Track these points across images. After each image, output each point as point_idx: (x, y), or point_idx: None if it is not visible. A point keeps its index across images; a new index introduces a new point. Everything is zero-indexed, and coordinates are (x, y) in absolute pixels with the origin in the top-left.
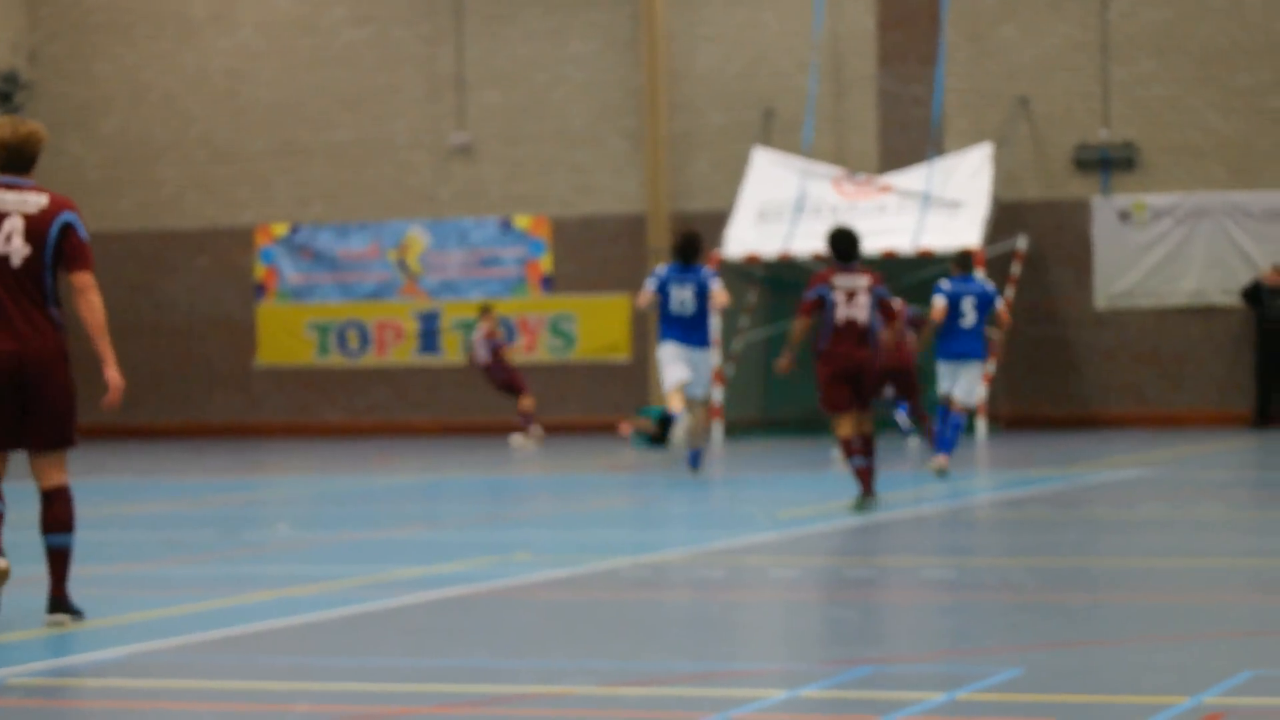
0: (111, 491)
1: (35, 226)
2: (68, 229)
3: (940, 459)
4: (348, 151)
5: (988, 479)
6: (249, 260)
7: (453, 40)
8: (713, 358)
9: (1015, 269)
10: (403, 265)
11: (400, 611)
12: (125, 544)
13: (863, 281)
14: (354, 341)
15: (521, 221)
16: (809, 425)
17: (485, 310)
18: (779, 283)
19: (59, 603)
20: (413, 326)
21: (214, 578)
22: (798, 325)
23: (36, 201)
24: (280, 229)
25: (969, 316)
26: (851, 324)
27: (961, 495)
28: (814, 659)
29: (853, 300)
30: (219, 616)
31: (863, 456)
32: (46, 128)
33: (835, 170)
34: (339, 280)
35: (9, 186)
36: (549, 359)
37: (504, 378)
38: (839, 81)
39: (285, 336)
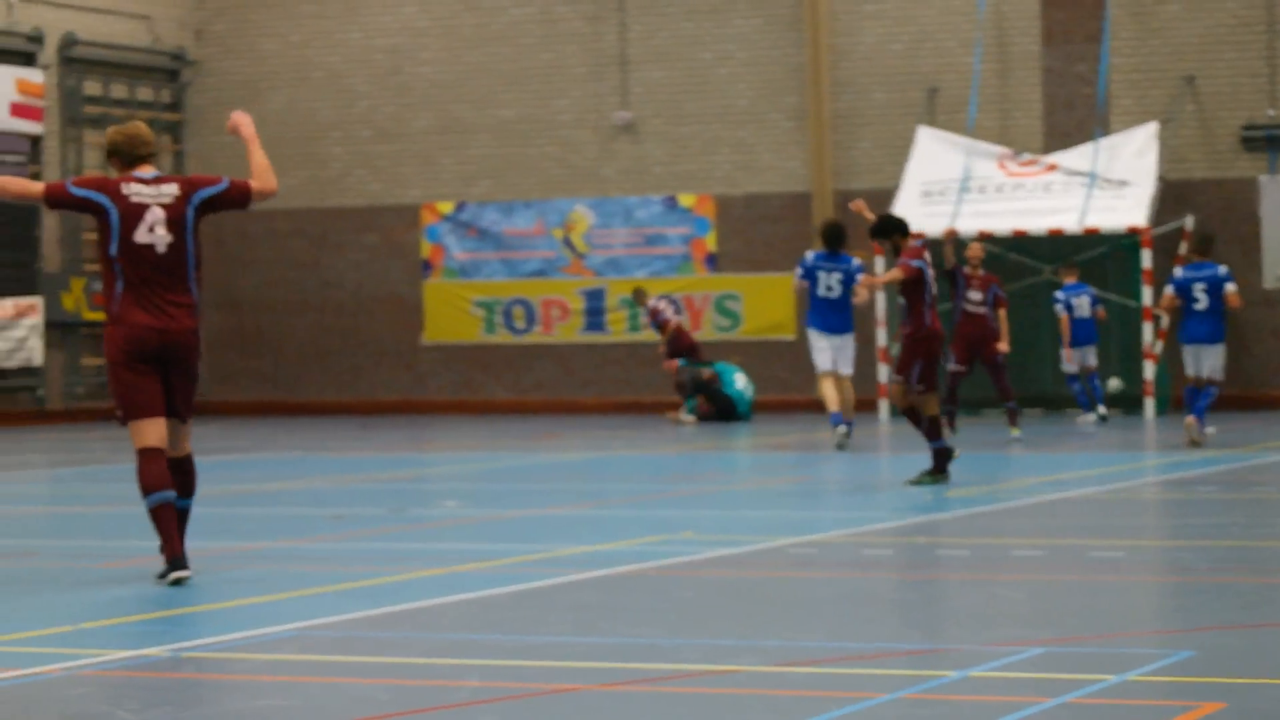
0: (279, 467)
1: (174, 215)
2: (208, 202)
3: (1194, 424)
4: (512, 129)
5: (1155, 460)
6: (415, 238)
7: (616, 18)
8: (852, 340)
9: (1183, 248)
10: (568, 243)
11: (567, 589)
12: (293, 520)
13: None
14: (520, 319)
15: (686, 200)
16: (977, 404)
17: (640, 293)
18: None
19: (183, 560)
20: (578, 304)
21: (382, 554)
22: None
23: (168, 191)
24: (446, 206)
25: (1202, 301)
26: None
27: (1129, 476)
28: (983, 639)
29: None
30: (387, 592)
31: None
32: (213, 105)
33: (1000, 149)
34: (505, 258)
35: (145, 180)
36: (714, 337)
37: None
38: (1003, 60)
39: (451, 314)
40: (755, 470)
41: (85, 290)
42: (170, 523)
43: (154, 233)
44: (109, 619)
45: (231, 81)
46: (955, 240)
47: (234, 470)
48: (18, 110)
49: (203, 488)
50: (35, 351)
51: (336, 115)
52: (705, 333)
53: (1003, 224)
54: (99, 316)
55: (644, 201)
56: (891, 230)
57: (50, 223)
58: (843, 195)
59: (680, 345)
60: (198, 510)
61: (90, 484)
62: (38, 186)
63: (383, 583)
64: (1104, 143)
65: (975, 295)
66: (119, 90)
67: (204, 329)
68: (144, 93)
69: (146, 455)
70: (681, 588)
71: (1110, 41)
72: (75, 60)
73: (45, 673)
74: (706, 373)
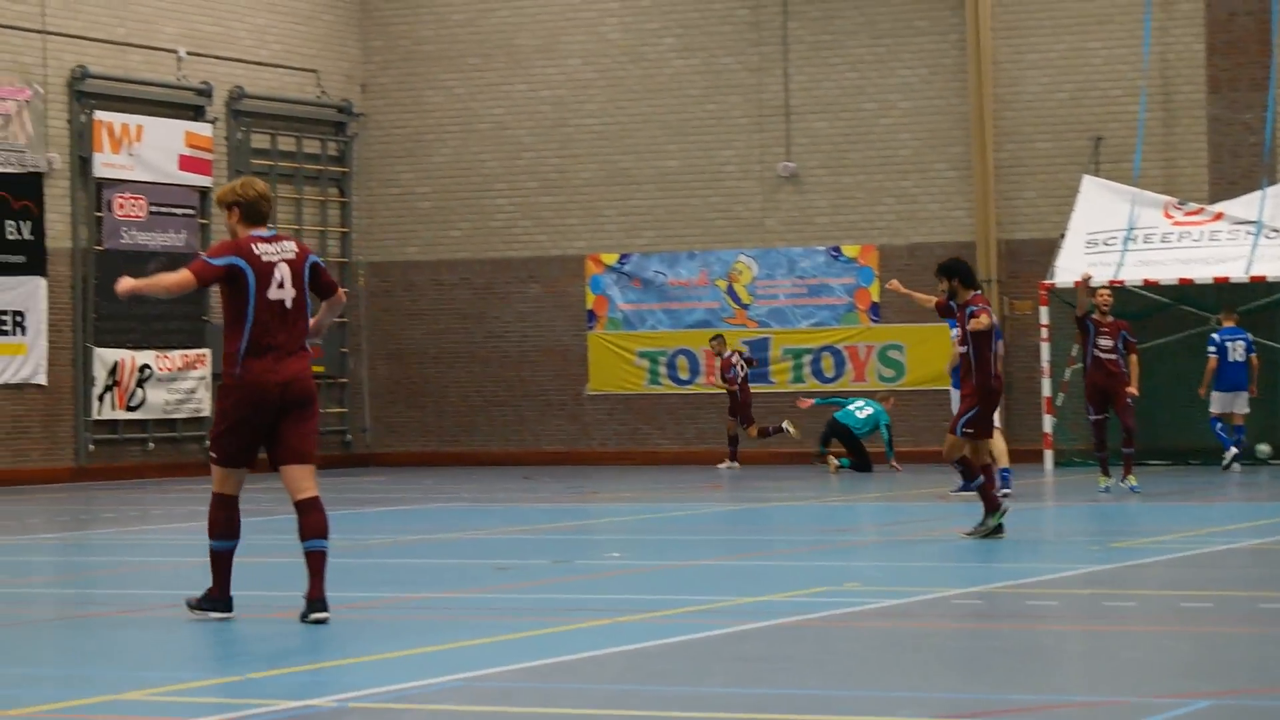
0: (445, 518)
1: (296, 270)
2: (316, 266)
3: None
4: (676, 180)
5: None
6: (579, 288)
7: (780, 68)
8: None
9: None
10: (731, 293)
11: (730, 640)
12: (459, 570)
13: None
14: (684, 370)
15: (850, 250)
16: (1141, 454)
17: (718, 339)
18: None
19: (323, 601)
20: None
21: (545, 605)
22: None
23: (289, 249)
24: (610, 257)
25: None
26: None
27: None
28: (1150, 692)
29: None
30: (551, 643)
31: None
32: (379, 158)
33: (1165, 198)
34: (668, 308)
35: (268, 239)
36: (878, 387)
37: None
38: (1168, 108)
39: (615, 364)
40: (918, 521)
41: None
42: (227, 570)
43: (282, 289)
44: (277, 669)
45: (397, 134)
46: (1088, 287)
47: (400, 520)
48: (186, 164)
49: (370, 538)
50: (204, 402)
51: (502, 167)
52: (869, 382)
53: (1168, 273)
54: None
55: (808, 252)
56: (953, 273)
57: None
58: (1007, 245)
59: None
60: (365, 560)
61: (257, 534)
62: (187, 274)
63: (546, 634)
64: (1270, 191)
65: (1105, 342)
66: (286, 143)
67: (371, 380)
68: (310, 145)
69: (224, 501)
70: (845, 639)
71: (1276, 89)
72: (243, 114)
73: None
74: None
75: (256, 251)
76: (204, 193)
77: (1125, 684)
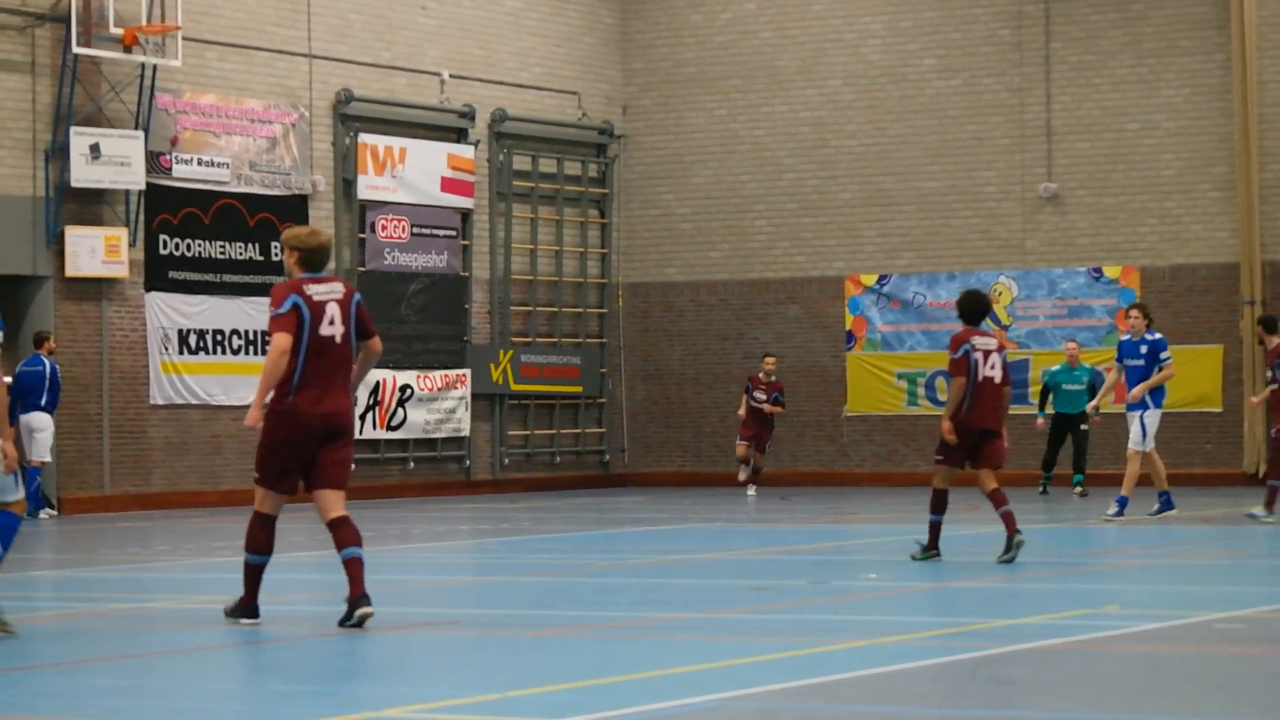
0: (703, 538)
1: (344, 309)
2: (359, 306)
3: None
4: (936, 201)
5: None
6: (839, 309)
7: (1042, 89)
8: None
9: None
10: (991, 314)
11: (988, 662)
12: (717, 590)
13: (993, 343)
14: (942, 391)
15: (1111, 271)
16: None
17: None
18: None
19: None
20: None
21: (803, 625)
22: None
23: (337, 289)
24: (869, 278)
25: None
26: (989, 382)
27: None
28: None
29: (989, 360)
30: (808, 664)
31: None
32: (640, 179)
33: None
34: (927, 329)
35: (317, 280)
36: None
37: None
38: None
39: (874, 385)
40: (1179, 543)
41: (512, 362)
42: (258, 581)
43: (332, 325)
44: (535, 687)
45: (658, 155)
46: None
47: (659, 540)
48: (448, 186)
49: (629, 558)
50: (463, 422)
51: (761, 188)
52: None
53: None
54: (527, 388)
55: (1068, 273)
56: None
57: (479, 296)
58: (1271, 266)
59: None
60: (624, 580)
61: (515, 553)
62: (279, 343)
63: (803, 654)
64: None
65: None
66: (547, 165)
67: (629, 400)
68: (571, 167)
69: (262, 520)
70: (1106, 662)
71: None
72: (505, 136)
73: None
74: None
75: (309, 292)
76: (465, 214)
77: None
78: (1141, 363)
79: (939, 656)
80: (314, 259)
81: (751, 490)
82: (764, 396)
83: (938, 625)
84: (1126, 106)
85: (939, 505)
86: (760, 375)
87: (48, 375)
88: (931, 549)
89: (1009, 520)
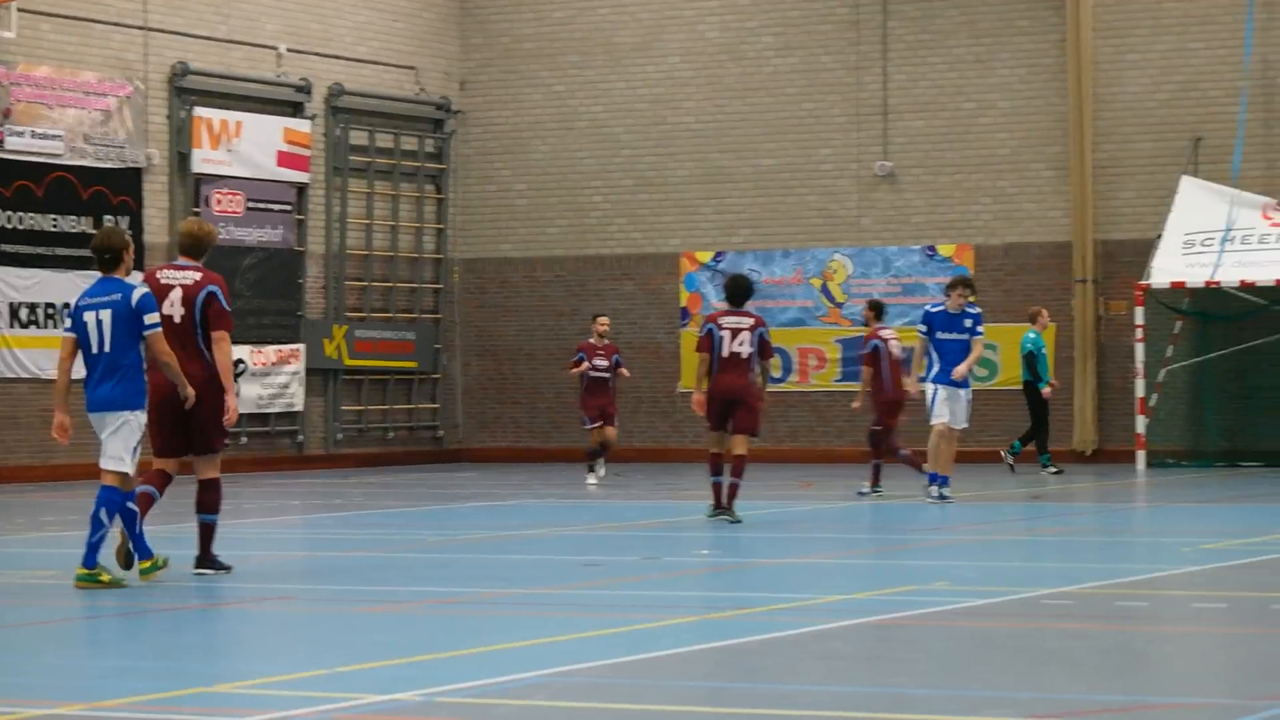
0: (536, 513)
1: (189, 295)
2: (210, 297)
3: None
4: (772, 178)
5: None
6: (674, 286)
7: (879, 68)
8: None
9: None
10: (826, 292)
11: (819, 637)
12: (548, 566)
13: (747, 322)
14: (776, 367)
15: (945, 249)
16: (1239, 456)
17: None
18: (1204, 312)
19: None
20: (835, 353)
21: (635, 601)
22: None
23: (192, 277)
24: (705, 255)
25: None
26: (735, 357)
27: None
28: (1242, 694)
29: (736, 337)
30: (639, 640)
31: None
32: (477, 155)
33: (1264, 199)
34: (762, 307)
35: (177, 267)
36: (972, 386)
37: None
38: (1269, 108)
39: None
40: (1009, 520)
41: (346, 338)
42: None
43: (173, 307)
44: (364, 663)
45: (495, 131)
46: None
47: (491, 516)
48: (284, 160)
49: (461, 533)
50: (297, 397)
51: (599, 164)
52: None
53: (1265, 274)
54: (361, 363)
55: (903, 251)
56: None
57: (314, 271)
58: (1103, 245)
59: None
60: (456, 555)
61: (347, 529)
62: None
63: (635, 630)
64: None
65: None
66: (384, 140)
67: (464, 375)
68: (408, 142)
69: (163, 477)
70: (934, 638)
71: None
72: (342, 110)
73: (298, 715)
74: None
75: (158, 275)
76: (301, 189)
77: (1215, 686)
78: (967, 336)
79: (769, 632)
80: (190, 244)
81: (599, 474)
82: (605, 363)
83: (768, 601)
84: (962, 85)
85: (712, 468)
86: (594, 341)
87: None
88: (716, 507)
89: (728, 491)
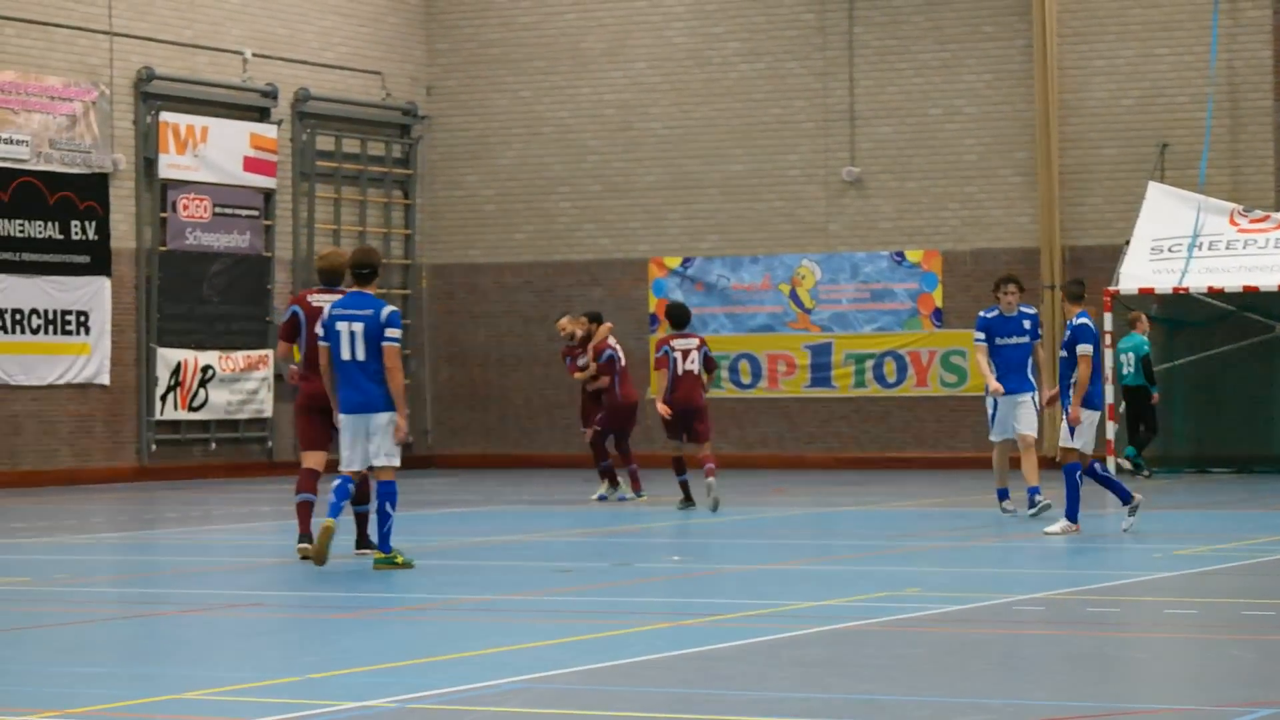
0: (507, 520)
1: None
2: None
3: None
4: (740, 184)
5: None
6: (642, 292)
7: (845, 73)
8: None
9: None
10: (794, 298)
11: (791, 644)
12: (520, 572)
13: (694, 342)
14: (745, 374)
15: (913, 255)
16: (1207, 461)
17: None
18: (1172, 319)
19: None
20: (804, 359)
21: (607, 607)
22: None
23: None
24: (673, 261)
25: None
26: (688, 374)
27: None
28: (1214, 700)
29: (687, 357)
30: (612, 646)
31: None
32: (444, 160)
33: (1231, 205)
34: (731, 312)
35: (323, 291)
36: (941, 393)
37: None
38: (1235, 115)
39: None
40: (980, 526)
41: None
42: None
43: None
44: (337, 670)
45: (462, 137)
46: None
47: (461, 523)
48: (251, 165)
49: (431, 540)
50: (266, 403)
51: (566, 170)
52: (932, 388)
53: (1233, 280)
54: None
55: (871, 257)
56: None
57: (282, 276)
58: (1071, 251)
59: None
60: (426, 562)
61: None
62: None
63: (607, 636)
64: None
65: None
66: (351, 145)
67: (433, 382)
68: (375, 148)
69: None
70: (906, 644)
71: None
72: (308, 115)
73: None
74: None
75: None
76: (268, 194)
77: (1187, 692)
78: (1027, 339)
79: (743, 639)
80: (322, 276)
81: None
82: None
83: (741, 608)
84: (929, 91)
85: (677, 468)
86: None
87: None
88: (687, 501)
89: (706, 473)
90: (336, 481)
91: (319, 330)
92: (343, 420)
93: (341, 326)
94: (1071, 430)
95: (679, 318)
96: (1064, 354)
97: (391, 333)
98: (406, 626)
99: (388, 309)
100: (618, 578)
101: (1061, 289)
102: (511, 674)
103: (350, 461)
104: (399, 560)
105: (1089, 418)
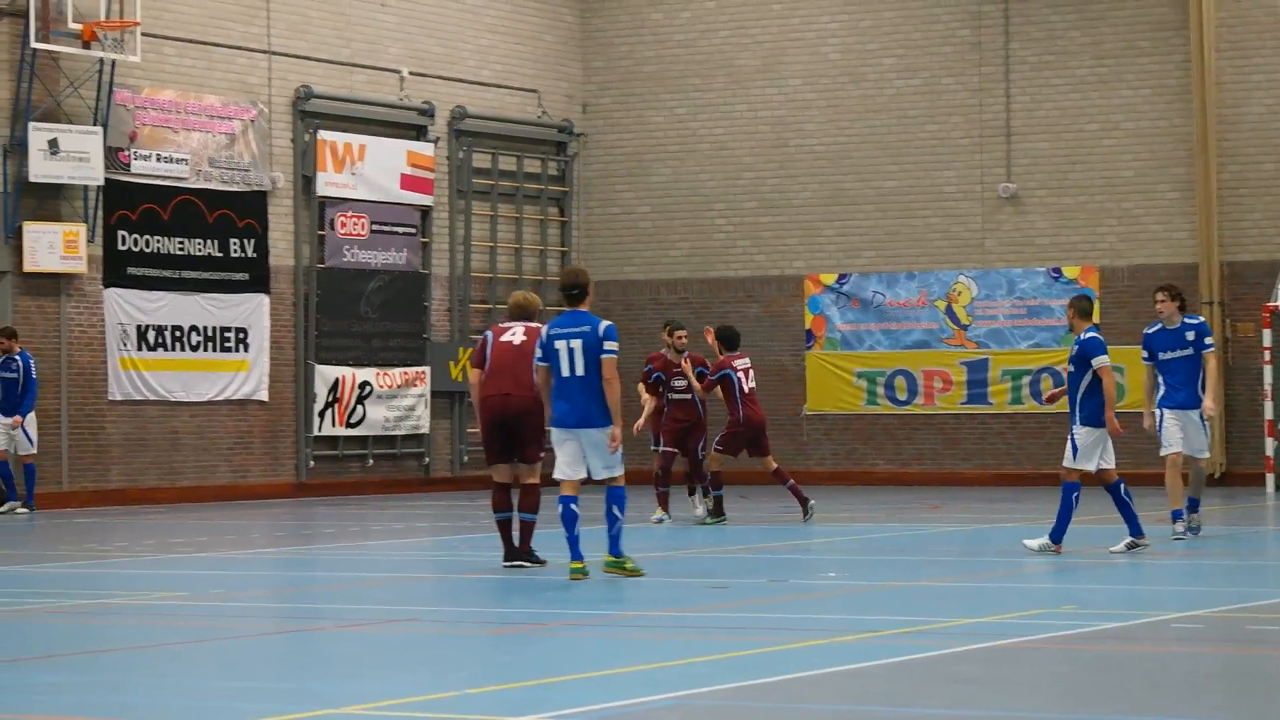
0: (663, 536)
1: (531, 334)
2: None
3: None
4: (895, 200)
5: None
6: (798, 308)
7: (1001, 89)
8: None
9: None
10: (950, 314)
11: (945, 661)
12: (673, 588)
13: (748, 362)
14: (901, 390)
15: (1070, 271)
16: None
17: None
18: None
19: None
20: (960, 375)
21: (761, 624)
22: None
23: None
24: (829, 278)
25: None
26: (753, 391)
27: None
28: None
29: (748, 376)
30: (766, 663)
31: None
32: (599, 177)
33: None
34: (887, 329)
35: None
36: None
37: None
38: None
39: (834, 384)
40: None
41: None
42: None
43: (514, 336)
44: (493, 685)
45: (617, 154)
46: None
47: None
48: (408, 183)
49: (590, 556)
50: (423, 420)
51: (721, 187)
52: None
53: None
54: None
55: (1027, 273)
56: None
57: (439, 293)
58: (1230, 267)
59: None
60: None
61: (474, 551)
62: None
63: (762, 653)
64: None
65: None
66: (507, 163)
67: None
68: (531, 165)
69: (496, 486)
70: (1062, 662)
71: None
72: (465, 133)
73: None
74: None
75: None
76: (425, 211)
77: None
78: (1191, 351)
79: (897, 655)
80: (519, 311)
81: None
82: (685, 381)
83: (896, 624)
84: (1085, 107)
85: (718, 482)
86: (668, 354)
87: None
88: (718, 514)
89: (797, 493)
90: (560, 509)
91: (537, 351)
92: (554, 434)
93: (560, 345)
94: (1075, 450)
95: (731, 339)
96: (1071, 369)
97: (610, 345)
98: (561, 642)
99: (605, 324)
100: (773, 594)
101: (1070, 305)
102: (665, 690)
103: (565, 472)
104: (628, 566)
105: (1093, 436)
